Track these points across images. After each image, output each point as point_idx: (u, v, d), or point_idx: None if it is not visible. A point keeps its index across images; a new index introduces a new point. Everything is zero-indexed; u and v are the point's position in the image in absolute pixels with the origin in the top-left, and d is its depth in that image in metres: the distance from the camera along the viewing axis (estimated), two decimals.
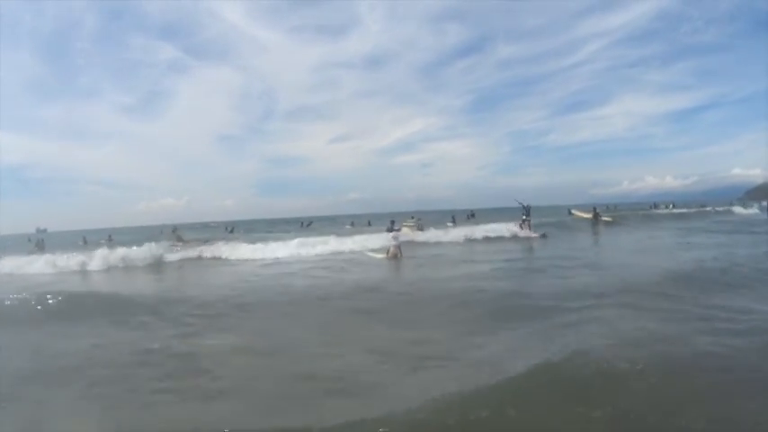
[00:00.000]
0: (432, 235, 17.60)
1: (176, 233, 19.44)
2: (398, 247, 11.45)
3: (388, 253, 11.36)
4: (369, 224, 36.71)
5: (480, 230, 18.24)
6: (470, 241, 16.86)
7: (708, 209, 35.45)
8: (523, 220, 18.92)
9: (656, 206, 42.63)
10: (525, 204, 19.17)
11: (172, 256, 11.73)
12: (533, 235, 17.95)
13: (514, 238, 17.75)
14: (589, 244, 15.77)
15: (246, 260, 12.34)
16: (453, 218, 35.22)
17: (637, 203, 67.21)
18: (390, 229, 16.62)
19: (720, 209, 35.14)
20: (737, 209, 36.28)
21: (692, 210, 36.70)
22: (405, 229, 18.61)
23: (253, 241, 15.33)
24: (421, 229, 19.23)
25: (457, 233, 17.93)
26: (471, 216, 38.20)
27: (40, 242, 23.94)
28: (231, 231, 36.28)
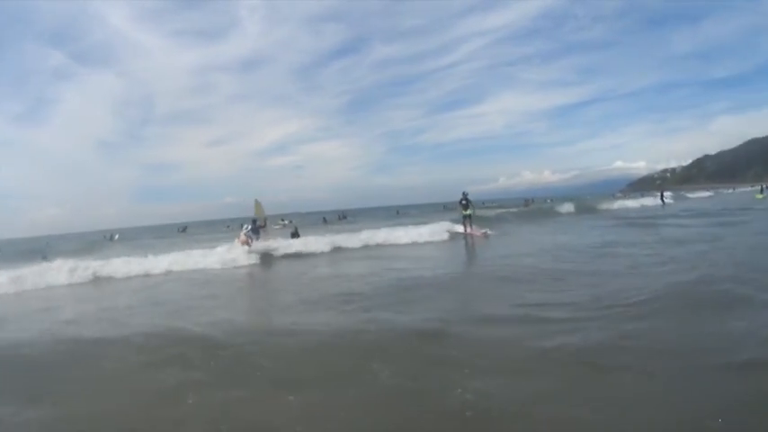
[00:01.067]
0: (332, 239, 14.68)
1: (45, 259, 17.83)
2: (248, 235, 13.49)
3: (239, 239, 13.42)
4: (242, 227, 36.78)
5: (390, 234, 15.20)
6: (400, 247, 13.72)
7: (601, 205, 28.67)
8: (465, 216, 15.93)
9: (531, 201, 41.44)
10: (466, 195, 16.01)
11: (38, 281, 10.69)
12: (478, 233, 15.39)
13: (457, 238, 15.14)
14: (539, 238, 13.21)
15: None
16: (325, 219, 37.55)
17: (515, 199, 70.33)
18: (255, 229, 17.62)
19: (617, 205, 29.18)
20: (647, 200, 32.35)
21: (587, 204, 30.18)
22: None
23: (131, 250, 14.37)
24: (295, 232, 17.33)
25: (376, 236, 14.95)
26: (343, 217, 40.74)
27: None
28: (111, 239, 36.16)
